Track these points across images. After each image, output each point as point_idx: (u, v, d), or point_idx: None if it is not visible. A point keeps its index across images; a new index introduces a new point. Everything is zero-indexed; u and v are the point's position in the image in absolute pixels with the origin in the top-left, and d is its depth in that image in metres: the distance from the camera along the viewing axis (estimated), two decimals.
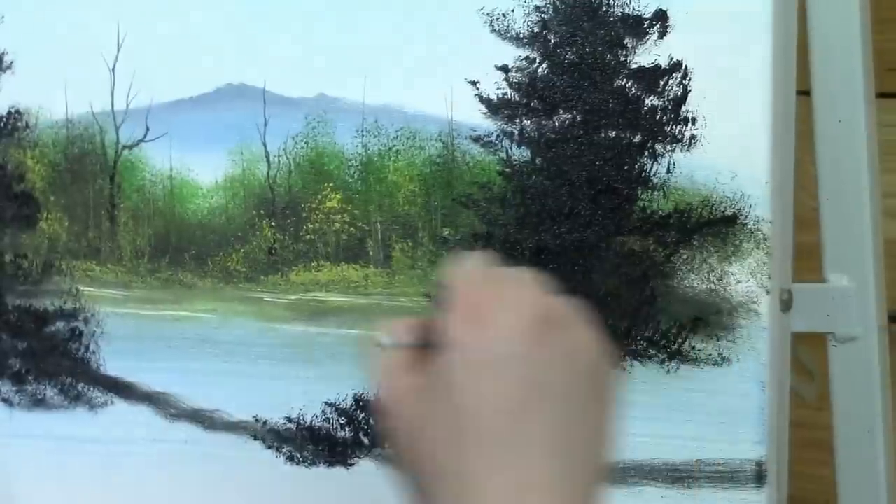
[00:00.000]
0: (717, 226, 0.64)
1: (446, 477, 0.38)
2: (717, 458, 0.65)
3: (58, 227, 0.77)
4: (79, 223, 0.77)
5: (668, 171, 0.64)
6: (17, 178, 0.77)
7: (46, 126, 0.76)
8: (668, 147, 0.64)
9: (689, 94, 0.64)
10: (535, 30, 0.66)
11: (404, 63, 0.69)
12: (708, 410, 0.65)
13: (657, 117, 0.64)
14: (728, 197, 0.63)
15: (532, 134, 0.66)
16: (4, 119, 0.77)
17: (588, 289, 0.66)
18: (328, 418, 0.72)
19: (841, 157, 0.71)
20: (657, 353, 0.66)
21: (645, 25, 0.64)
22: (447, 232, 0.69)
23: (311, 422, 0.72)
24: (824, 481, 0.78)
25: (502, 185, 0.67)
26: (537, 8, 0.66)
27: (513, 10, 0.66)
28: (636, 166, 0.65)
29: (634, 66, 0.64)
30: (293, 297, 0.73)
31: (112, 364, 0.77)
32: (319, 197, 0.72)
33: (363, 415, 0.71)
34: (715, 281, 0.64)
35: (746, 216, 0.63)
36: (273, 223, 0.73)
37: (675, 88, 0.64)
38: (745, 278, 0.64)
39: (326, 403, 0.72)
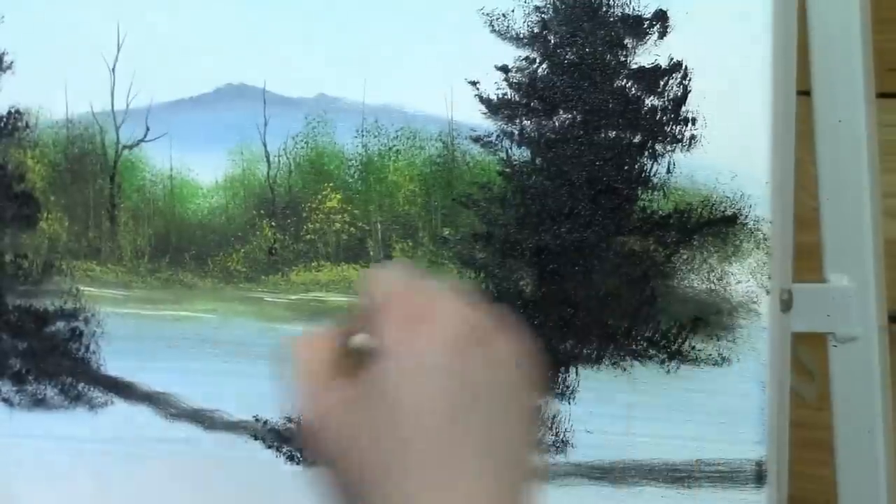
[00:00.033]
0: (717, 226, 0.64)
1: (381, 485, 0.39)
2: (718, 458, 0.65)
3: (58, 227, 0.77)
4: (79, 223, 0.77)
5: (669, 172, 0.64)
6: (18, 178, 0.77)
7: (46, 126, 0.76)
8: (669, 147, 0.64)
9: (689, 95, 0.64)
10: (535, 30, 0.66)
11: (404, 63, 0.69)
12: (708, 410, 0.65)
13: (657, 117, 0.64)
14: (728, 197, 0.63)
15: (532, 134, 0.66)
16: (4, 119, 0.77)
17: (588, 289, 0.66)
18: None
19: (841, 157, 0.71)
20: (657, 353, 0.66)
21: (645, 25, 0.64)
22: (447, 232, 0.69)
23: None
24: (824, 481, 0.78)
25: (502, 185, 0.67)
26: (537, 8, 0.66)
27: (513, 11, 0.66)
28: (636, 166, 0.65)
29: (634, 66, 0.64)
30: (293, 297, 0.73)
31: (112, 364, 0.77)
32: (319, 197, 0.72)
33: None
34: (715, 281, 0.64)
35: (746, 216, 0.63)
36: (273, 223, 0.73)
37: (675, 88, 0.64)
38: (746, 278, 0.64)
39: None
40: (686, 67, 0.63)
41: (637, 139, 0.65)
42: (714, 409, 0.65)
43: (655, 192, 0.65)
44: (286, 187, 0.72)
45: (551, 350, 0.67)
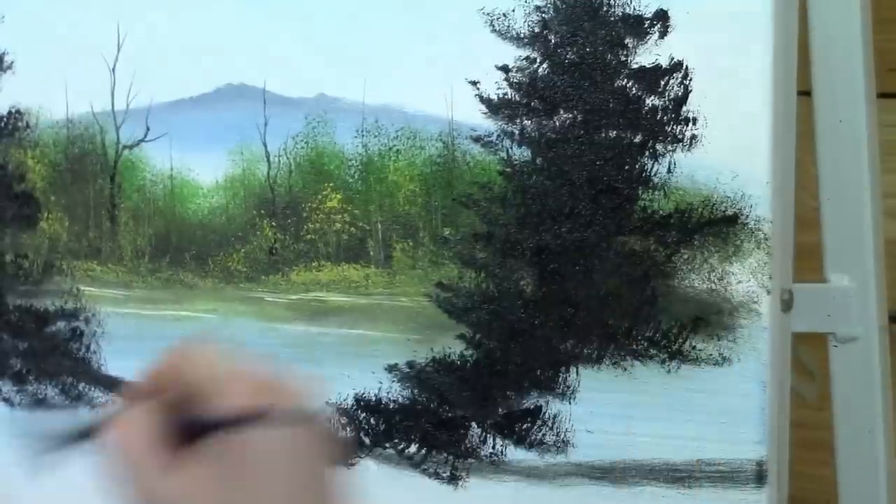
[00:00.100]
0: (717, 226, 0.64)
1: None
2: (718, 458, 0.65)
3: (58, 227, 0.77)
4: (79, 223, 0.77)
5: (669, 171, 0.64)
6: (18, 178, 0.77)
7: (47, 126, 0.76)
8: (669, 147, 0.64)
9: (690, 94, 0.63)
10: (536, 30, 0.66)
11: (404, 63, 0.69)
12: (709, 410, 0.65)
13: (658, 117, 0.64)
14: (729, 197, 0.63)
15: (532, 134, 0.66)
16: (5, 119, 0.77)
17: (589, 288, 0.66)
18: (328, 418, 0.72)
19: (842, 158, 0.71)
20: (658, 353, 0.66)
21: (646, 25, 0.64)
22: (448, 232, 0.69)
23: None
24: (825, 481, 0.78)
25: (503, 184, 0.67)
26: (538, 8, 0.65)
27: (513, 10, 0.66)
28: (637, 166, 0.65)
29: (635, 65, 0.64)
30: (294, 297, 0.73)
31: (113, 364, 0.77)
32: (320, 197, 0.72)
33: (364, 415, 0.71)
34: (716, 281, 0.64)
35: (747, 216, 0.63)
36: (273, 223, 0.73)
37: (675, 88, 0.64)
38: (746, 278, 0.64)
39: (327, 403, 0.72)
40: (687, 67, 0.63)
41: (638, 139, 0.65)
42: (715, 408, 0.65)
43: (656, 192, 0.65)
44: (286, 187, 0.72)
45: (552, 350, 0.67)
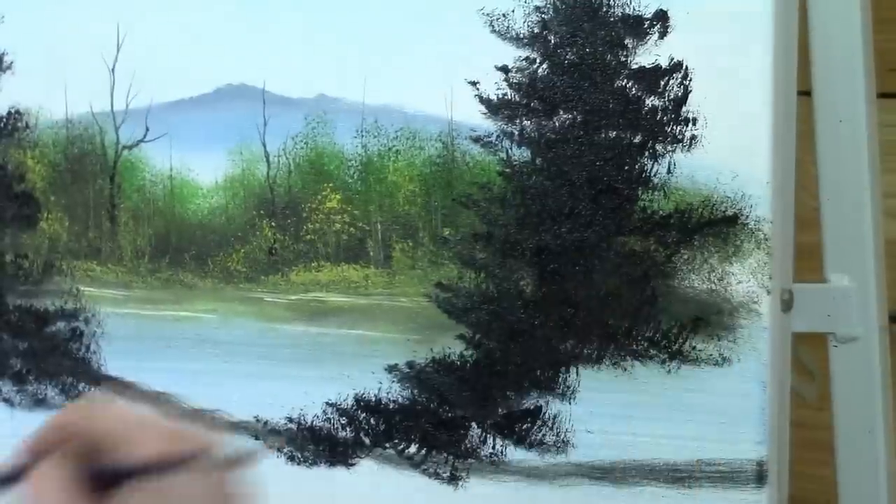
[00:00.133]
0: (717, 226, 0.64)
1: None
2: (718, 459, 0.65)
3: (58, 228, 0.77)
4: (79, 223, 0.77)
5: (669, 172, 0.64)
6: (18, 178, 0.77)
7: (46, 126, 0.76)
8: (669, 147, 0.64)
9: (690, 95, 0.63)
10: (536, 30, 0.66)
11: (404, 63, 0.69)
12: (709, 410, 0.65)
13: (658, 117, 0.64)
14: (729, 197, 0.63)
15: (532, 134, 0.66)
16: (4, 119, 0.77)
17: (589, 289, 0.66)
18: (329, 418, 0.72)
19: (842, 158, 0.71)
20: (658, 353, 0.66)
21: (645, 26, 0.64)
22: (447, 232, 0.69)
23: (312, 422, 0.72)
24: (825, 481, 0.78)
25: (502, 185, 0.67)
26: (537, 8, 0.65)
27: (513, 11, 0.66)
28: (637, 166, 0.65)
29: (635, 66, 0.64)
30: (293, 298, 0.73)
31: (113, 364, 0.77)
32: (319, 197, 0.72)
33: (364, 415, 0.71)
34: (716, 281, 0.64)
35: (747, 216, 0.63)
36: (273, 223, 0.73)
37: (675, 89, 0.64)
38: (746, 278, 0.64)
39: (327, 403, 0.72)
40: (686, 67, 0.63)
41: (637, 139, 0.65)
42: (715, 409, 0.65)
43: (656, 192, 0.65)
44: (286, 187, 0.72)
45: (552, 350, 0.67)
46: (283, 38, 0.71)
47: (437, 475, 0.70)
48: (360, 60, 0.69)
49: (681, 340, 0.65)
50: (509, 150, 0.67)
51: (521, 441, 0.69)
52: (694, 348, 0.65)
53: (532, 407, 0.68)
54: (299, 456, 0.73)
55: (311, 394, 0.72)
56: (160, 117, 0.73)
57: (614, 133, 0.65)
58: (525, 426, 0.68)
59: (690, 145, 0.64)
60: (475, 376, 0.69)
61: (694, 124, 0.64)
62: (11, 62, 0.76)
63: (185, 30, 0.73)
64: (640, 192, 0.65)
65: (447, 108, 0.68)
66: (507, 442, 0.69)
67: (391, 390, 0.71)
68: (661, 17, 0.63)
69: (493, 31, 0.66)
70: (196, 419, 0.44)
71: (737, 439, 0.64)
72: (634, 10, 0.64)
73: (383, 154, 0.70)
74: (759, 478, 0.64)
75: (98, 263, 0.77)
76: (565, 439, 0.68)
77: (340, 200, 0.71)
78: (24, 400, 0.79)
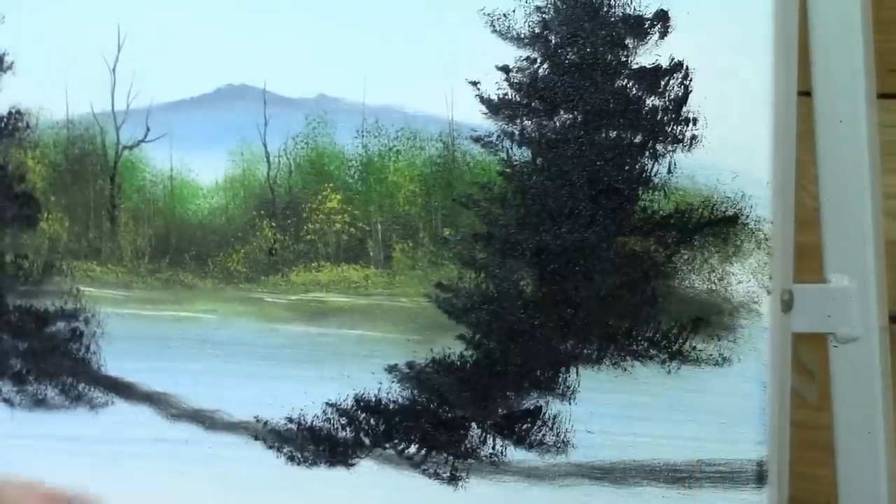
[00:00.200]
0: (718, 226, 0.64)
1: None
2: (718, 459, 0.65)
3: (58, 228, 0.77)
4: (79, 223, 0.77)
5: (669, 172, 0.64)
6: (18, 178, 0.77)
7: (47, 126, 0.76)
8: (669, 147, 0.64)
9: (690, 95, 0.63)
10: (536, 30, 0.66)
11: (404, 63, 0.69)
12: (709, 410, 0.65)
13: (658, 117, 0.64)
14: (729, 197, 0.63)
15: (533, 134, 0.66)
16: (5, 119, 0.77)
17: (589, 289, 0.66)
18: (329, 418, 0.72)
19: (842, 158, 0.71)
20: (658, 354, 0.66)
21: (646, 26, 0.64)
22: (448, 232, 0.69)
23: (312, 422, 0.72)
24: (825, 481, 0.78)
25: (503, 185, 0.67)
26: (538, 8, 0.66)
27: (514, 11, 0.66)
28: (637, 166, 0.65)
29: (635, 66, 0.64)
30: (294, 298, 0.73)
31: (113, 364, 0.77)
32: (320, 197, 0.72)
33: (364, 415, 0.71)
34: (716, 281, 0.64)
35: (747, 216, 0.63)
36: (273, 223, 0.73)
37: (676, 89, 0.64)
38: (746, 278, 0.64)
39: (327, 404, 0.72)
40: (687, 67, 0.63)
41: (638, 139, 0.65)
42: (715, 409, 0.65)
43: (656, 193, 0.65)
44: (286, 188, 0.72)
45: (552, 350, 0.67)
46: (283, 38, 0.71)
47: (437, 475, 0.70)
48: (361, 60, 0.69)
49: (681, 341, 0.65)
50: (510, 151, 0.67)
51: (521, 441, 0.69)
52: (694, 348, 0.65)
53: (532, 407, 0.68)
54: (299, 456, 0.73)
55: (310, 394, 0.72)
56: (161, 117, 0.74)
57: (615, 133, 0.65)
58: (525, 426, 0.68)
59: (691, 145, 0.64)
60: (475, 376, 0.69)
61: (694, 124, 0.64)
62: (12, 62, 0.76)
63: (186, 30, 0.73)
64: (640, 193, 0.65)
65: (448, 108, 0.68)
66: (506, 442, 0.69)
67: (391, 390, 0.71)
68: (662, 17, 0.63)
69: (494, 31, 0.66)
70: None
71: (737, 439, 0.64)
72: (635, 10, 0.64)
73: (384, 154, 0.70)
74: (760, 478, 0.64)
75: (98, 264, 0.77)
76: (565, 439, 0.68)
77: (341, 200, 0.71)
78: (24, 400, 0.79)
